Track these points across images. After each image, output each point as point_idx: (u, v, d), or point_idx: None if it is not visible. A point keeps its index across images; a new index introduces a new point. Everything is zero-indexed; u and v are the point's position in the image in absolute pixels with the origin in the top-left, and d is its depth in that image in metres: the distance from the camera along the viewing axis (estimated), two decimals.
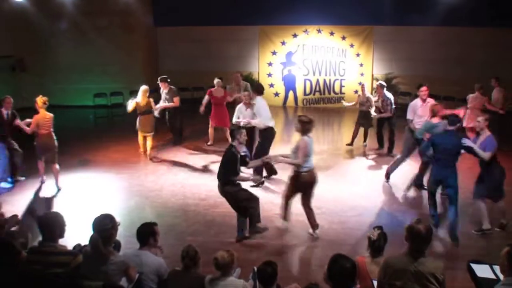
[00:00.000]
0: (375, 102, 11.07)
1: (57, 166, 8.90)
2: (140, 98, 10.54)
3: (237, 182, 6.75)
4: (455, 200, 6.73)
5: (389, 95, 11.01)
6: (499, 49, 15.31)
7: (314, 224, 6.94)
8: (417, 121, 8.76)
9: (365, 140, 11.82)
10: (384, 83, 11.33)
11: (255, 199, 6.85)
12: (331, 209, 7.85)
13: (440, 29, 15.77)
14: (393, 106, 10.83)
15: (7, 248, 4.25)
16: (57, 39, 16.90)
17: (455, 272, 5.30)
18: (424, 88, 8.92)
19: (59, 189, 8.86)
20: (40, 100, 8.66)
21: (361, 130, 11.68)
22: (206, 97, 11.66)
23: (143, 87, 10.66)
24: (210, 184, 9.06)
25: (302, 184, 6.74)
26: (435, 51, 16.20)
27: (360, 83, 12.39)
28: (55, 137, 8.86)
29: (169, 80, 11.48)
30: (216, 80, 11.66)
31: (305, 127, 6.65)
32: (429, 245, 3.86)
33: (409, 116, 8.99)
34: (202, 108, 11.63)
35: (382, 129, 11.25)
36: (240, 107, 9.65)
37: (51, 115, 8.76)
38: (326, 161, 10.65)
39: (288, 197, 7.00)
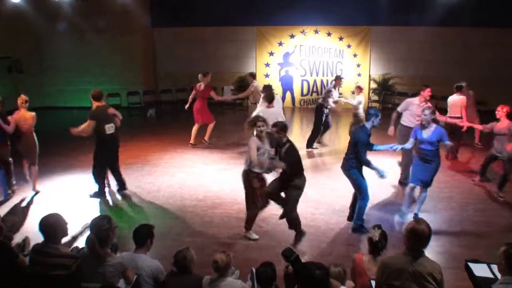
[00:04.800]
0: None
1: (36, 168, 8.65)
2: None
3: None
4: None
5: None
6: (497, 49, 15.36)
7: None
8: (407, 118, 8.93)
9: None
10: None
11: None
12: (329, 210, 7.84)
13: (438, 29, 15.80)
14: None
15: (4, 251, 4.25)
16: (55, 40, 16.89)
17: (453, 272, 5.30)
18: (429, 90, 8.93)
19: (36, 193, 8.64)
20: (19, 99, 8.42)
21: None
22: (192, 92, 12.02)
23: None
24: (207, 185, 9.08)
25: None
26: (433, 51, 16.24)
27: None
28: (36, 138, 8.63)
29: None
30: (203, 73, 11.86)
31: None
32: (427, 245, 3.86)
33: (399, 108, 9.07)
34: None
35: None
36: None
37: (33, 114, 8.50)
38: (324, 161, 10.68)
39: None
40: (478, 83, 11.06)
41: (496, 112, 8.51)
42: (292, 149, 6.39)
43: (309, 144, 11.53)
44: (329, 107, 11.29)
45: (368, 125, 6.89)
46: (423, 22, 15.44)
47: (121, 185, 8.68)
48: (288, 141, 6.44)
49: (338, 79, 11.63)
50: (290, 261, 4.10)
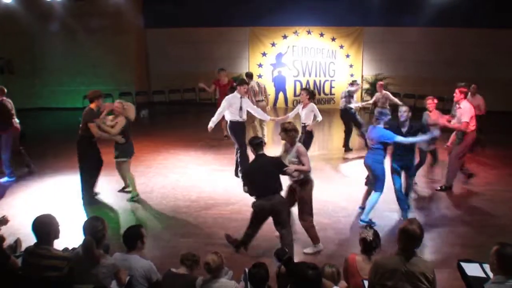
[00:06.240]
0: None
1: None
2: None
3: None
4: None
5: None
6: (489, 49, 15.46)
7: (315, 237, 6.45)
8: None
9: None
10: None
11: None
12: (322, 210, 7.83)
13: (430, 30, 15.90)
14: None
15: None
16: (47, 41, 16.82)
17: (446, 271, 5.32)
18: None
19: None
20: None
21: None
22: (213, 86, 12.79)
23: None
24: (201, 186, 9.06)
25: (309, 192, 6.43)
26: (425, 52, 16.32)
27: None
28: None
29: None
30: (218, 69, 12.80)
31: (294, 136, 6.45)
32: (420, 245, 3.87)
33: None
34: (203, 85, 13.10)
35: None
36: (298, 107, 9.89)
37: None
38: (317, 162, 10.67)
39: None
40: (470, 84, 11.08)
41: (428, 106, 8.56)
42: None
43: (347, 147, 11.58)
44: (353, 106, 11.37)
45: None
46: (415, 23, 15.52)
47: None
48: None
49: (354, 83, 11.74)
50: (282, 261, 4.10)
